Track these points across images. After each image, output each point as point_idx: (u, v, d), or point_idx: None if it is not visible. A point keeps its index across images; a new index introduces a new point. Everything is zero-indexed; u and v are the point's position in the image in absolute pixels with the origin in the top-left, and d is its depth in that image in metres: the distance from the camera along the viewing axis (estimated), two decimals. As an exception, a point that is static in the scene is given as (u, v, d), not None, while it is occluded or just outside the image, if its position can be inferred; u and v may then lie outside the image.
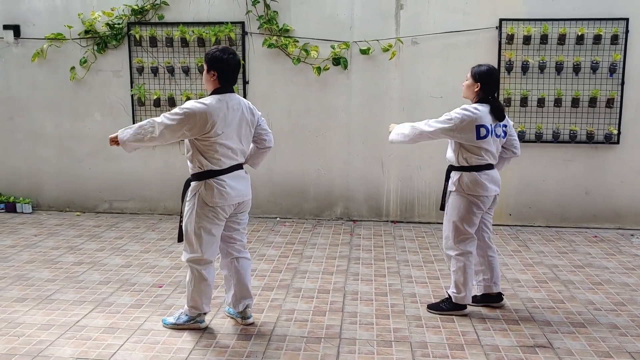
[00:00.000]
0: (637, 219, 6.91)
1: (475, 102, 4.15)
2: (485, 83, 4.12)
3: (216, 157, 3.72)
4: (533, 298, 4.65)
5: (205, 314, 4.07)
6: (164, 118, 3.66)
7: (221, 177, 3.76)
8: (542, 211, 7.02)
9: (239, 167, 3.87)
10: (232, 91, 3.80)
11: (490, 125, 4.09)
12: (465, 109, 4.06)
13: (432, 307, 4.37)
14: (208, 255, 3.91)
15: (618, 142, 6.78)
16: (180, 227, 4.00)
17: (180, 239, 4.03)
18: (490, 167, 4.19)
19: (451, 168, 4.29)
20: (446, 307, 4.31)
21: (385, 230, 6.84)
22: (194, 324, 4.02)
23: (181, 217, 3.99)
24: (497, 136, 4.16)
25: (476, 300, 4.45)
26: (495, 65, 6.71)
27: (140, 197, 7.55)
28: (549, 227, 6.99)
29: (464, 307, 4.30)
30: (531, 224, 7.05)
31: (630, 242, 6.36)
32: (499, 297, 4.45)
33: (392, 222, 7.21)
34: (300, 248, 6.03)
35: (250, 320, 4.10)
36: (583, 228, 6.94)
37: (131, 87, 7.29)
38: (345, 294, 4.73)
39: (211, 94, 3.76)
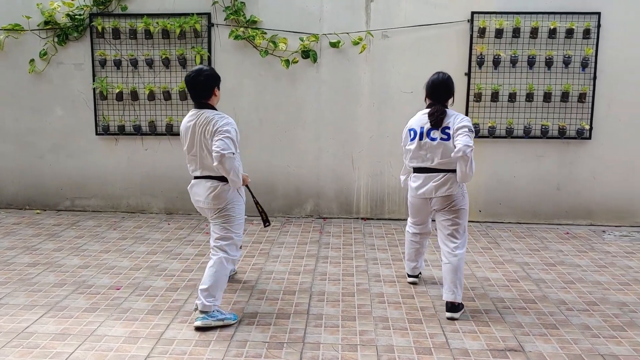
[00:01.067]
0: (608, 215, 6.86)
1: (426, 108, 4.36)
2: (428, 91, 4.32)
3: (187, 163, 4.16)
4: (504, 298, 4.54)
5: None
6: None
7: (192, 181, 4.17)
8: (513, 207, 6.93)
9: (201, 177, 4.05)
10: (201, 106, 4.00)
11: (422, 128, 4.25)
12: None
13: None
14: None
15: (590, 137, 6.71)
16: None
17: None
18: (420, 170, 4.33)
19: None
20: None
21: (355, 227, 6.69)
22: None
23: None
24: (432, 139, 4.21)
25: None
26: (466, 59, 6.63)
27: (103, 195, 7.29)
28: (519, 223, 6.91)
29: (407, 274, 4.87)
30: (501, 220, 6.96)
31: (602, 239, 6.30)
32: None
33: (362, 219, 7.06)
34: (268, 247, 5.85)
35: (196, 324, 3.87)
36: (554, 224, 6.87)
37: (93, 80, 7.02)
38: (311, 295, 4.57)
39: None
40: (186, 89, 4.03)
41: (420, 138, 4.24)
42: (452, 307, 4.15)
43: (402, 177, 4.65)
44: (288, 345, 3.68)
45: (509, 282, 4.91)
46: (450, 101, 4.32)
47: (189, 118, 4.00)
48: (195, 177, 4.09)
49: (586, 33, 6.49)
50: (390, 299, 4.49)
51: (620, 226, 6.82)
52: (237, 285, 4.74)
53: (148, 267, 5.20)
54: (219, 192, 3.96)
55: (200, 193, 4.04)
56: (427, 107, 4.31)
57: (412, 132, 4.32)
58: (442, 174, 4.23)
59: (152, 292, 4.60)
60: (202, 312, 3.89)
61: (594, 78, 6.60)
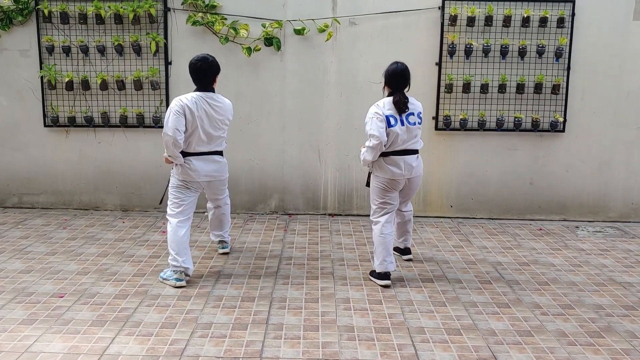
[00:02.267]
0: (582, 210, 6.68)
1: (386, 97, 4.62)
2: (388, 80, 4.59)
3: (188, 142, 4.54)
4: (476, 302, 4.28)
5: (183, 271, 4.51)
6: None
7: (189, 158, 4.58)
8: (485, 202, 6.70)
9: (210, 152, 4.63)
10: (208, 90, 4.56)
11: (400, 115, 4.51)
12: (375, 113, 4.49)
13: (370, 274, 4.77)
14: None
15: (564, 130, 6.50)
16: None
17: None
18: (400, 152, 4.54)
19: None
20: (372, 275, 4.71)
21: (322, 224, 6.38)
22: (175, 282, 4.49)
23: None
24: (412, 124, 4.55)
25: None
26: (437, 48, 6.35)
27: (53, 190, 6.84)
28: (492, 219, 6.68)
29: (378, 276, 4.59)
30: (473, 216, 6.72)
31: (576, 235, 6.11)
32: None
33: (329, 215, 6.76)
34: (228, 247, 5.50)
35: (225, 250, 5.30)
36: (527, 220, 6.66)
37: (40, 68, 6.54)
38: (272, 301, 4.25)
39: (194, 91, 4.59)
40: (190, 75, 4.54)
41: (402, 124, 4.51)
42: (408, 250, 5.21)
43: (368, 157, 4.58)
44: (244, 361, 3.37)
45: (482, 284, 4.65)
46: (406, 89, 4.61)
47: (206, 100, 4.50)
48: (198, 154, 4.56)
49: (560, 22, 6.26)
50: (356, 304, 4.19)
51: (593, 221, 6.65)
52: (191, 292, 4.39)
53: (97, 271, 4.82)
54: (225, 165, 4.82)
55: (209, 168, 4.64)
56: (388, 96, 4.59)
57: (392, 119, 4.49)
58: (417, 155, 4.68)
59: (98, 299, 4.23)
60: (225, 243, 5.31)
61: (568, 69, 6.38)
